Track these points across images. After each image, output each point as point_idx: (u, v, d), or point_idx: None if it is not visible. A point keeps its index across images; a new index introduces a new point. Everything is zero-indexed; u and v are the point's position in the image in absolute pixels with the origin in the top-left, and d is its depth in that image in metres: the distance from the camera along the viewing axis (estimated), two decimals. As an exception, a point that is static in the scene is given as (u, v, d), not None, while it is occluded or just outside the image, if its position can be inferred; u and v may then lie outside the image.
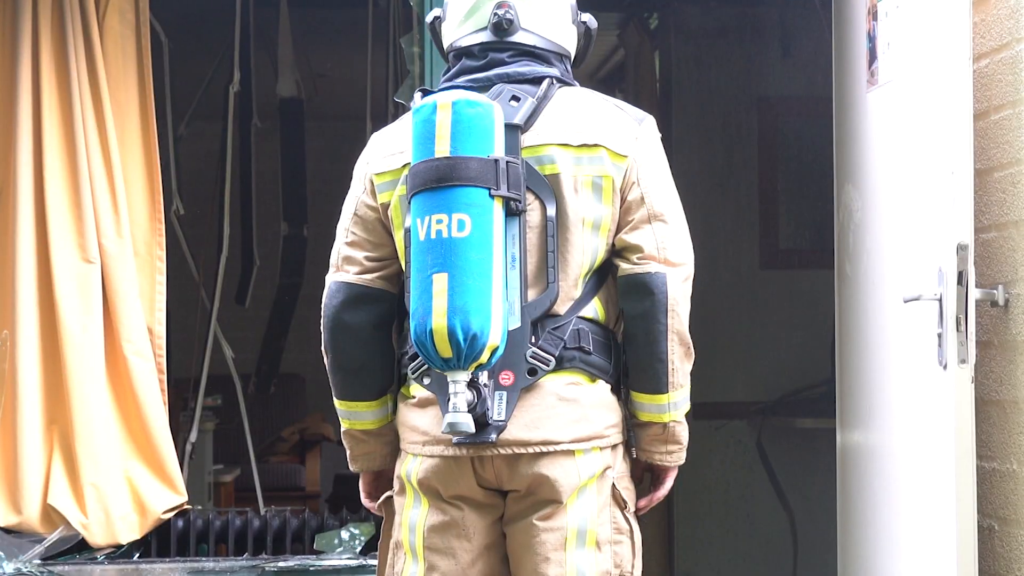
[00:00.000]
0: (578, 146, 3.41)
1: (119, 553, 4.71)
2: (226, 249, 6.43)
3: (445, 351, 3.23)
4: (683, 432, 3.53)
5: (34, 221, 4.77)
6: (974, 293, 4.01)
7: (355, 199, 3.56)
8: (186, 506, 4.83)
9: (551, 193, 3.39)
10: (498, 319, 3.26)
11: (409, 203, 3.34)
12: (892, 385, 4.38)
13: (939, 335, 4.01)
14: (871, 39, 4.53)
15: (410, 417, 3.45)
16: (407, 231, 3.38)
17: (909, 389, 4.25)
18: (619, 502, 3.43)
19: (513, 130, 3.38)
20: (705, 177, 7.15)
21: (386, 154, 3.50)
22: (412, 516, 3.42)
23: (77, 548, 4.69)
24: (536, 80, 3.47)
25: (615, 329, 3.48)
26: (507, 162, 3.33)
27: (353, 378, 3.56)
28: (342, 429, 3.62)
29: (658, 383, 3.44)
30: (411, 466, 3.42)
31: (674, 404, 3.48)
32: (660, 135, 3.52)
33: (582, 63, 3.67)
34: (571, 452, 3.37)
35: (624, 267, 3.42)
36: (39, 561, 4.60)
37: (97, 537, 4.69)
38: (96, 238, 4.77)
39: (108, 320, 4.78)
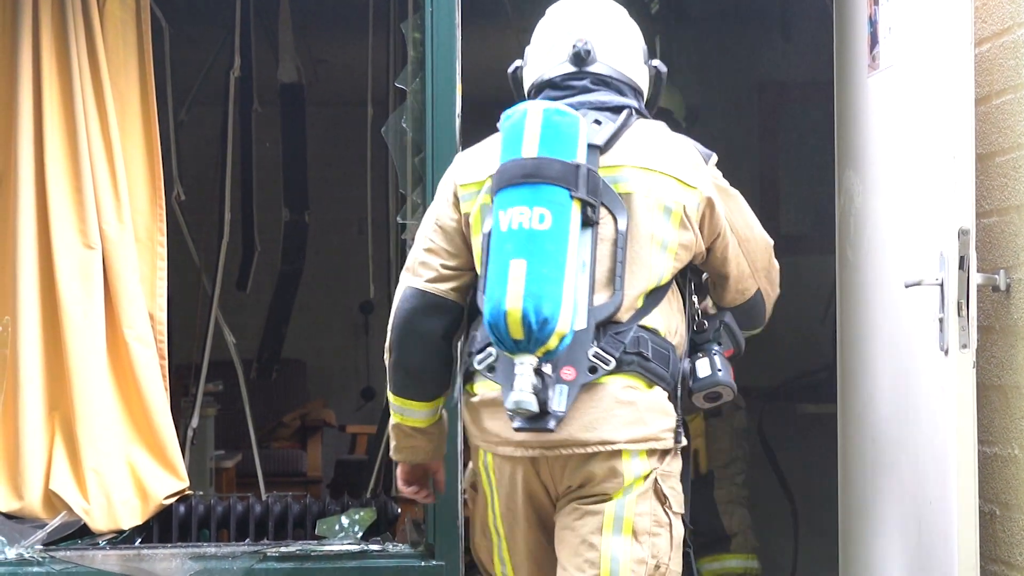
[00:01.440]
0: (652, 170, 3.72)
1: (121, 538, 4.72)
2: (227, 235, 6.43)
3: (517, 333, 3.48)
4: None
5: (35, 207, 4.77)
6: (975, 278, 4.01)
7: (438, 209, 3.84)
8: (188, 491, 4.84)
9: (624, 210, 3.68)
10: (568, 308, 3.50)
11: (493, 199, 3.62)
12: (893, 370, 4.38)
13: (940, 320, 4.01)
14: (872, 23, 4.52)
15: (479, 416, 3.72)
16: (487, 233, 3.65)
17: (910, 374, 4.25)
18: (660, 497, 3.67)
19: (594, 150, 3.68)
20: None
21: (471, 167, 3.80)
22: (492, 503, 3.77)
23: (79, 533, 4.69)
24: (616, 109, 3.79)
25: (674, 341, 3.75)
26: (588, 169, 3.62)
27: (413, 380, 3.84)
28: (392, 422, 3.91)
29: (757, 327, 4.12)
30: (484, 460, 3.75)
31: None
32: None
33: (654, 107, 3.96)
34: (624, 452, 3.63)
35: (726, 298, 3.93)
36: (41, 546, 4.60)
37: (99, 522, 4.70)
38: (97, 224, 4.77)
39: (109, 306, 4.78)
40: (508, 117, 3.68)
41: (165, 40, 5.75)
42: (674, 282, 3.79)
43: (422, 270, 3.79)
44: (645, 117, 3.85)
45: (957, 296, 3.99)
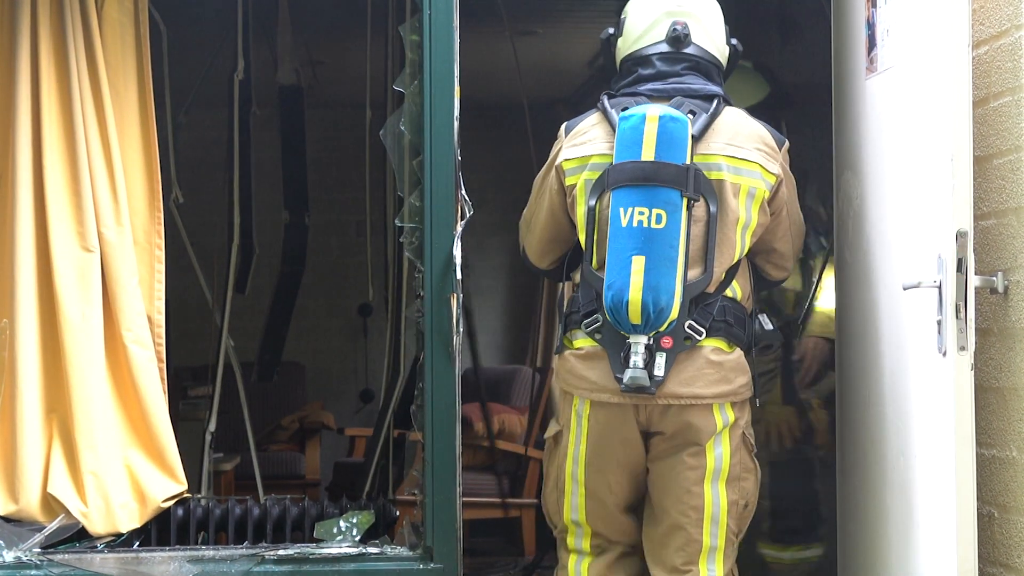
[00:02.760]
0: (740, 159, 4.26)
1: (119, 541, 4.71)
2: (237, 237, 6.42)
3: (636, 319, 4.09)
4: None
5: (33, 210, 4.77)
6: (973, 280, 4.01)
7: (544, 194, 4.41)
8: (186, 494, 4.84)
9: (715, 195, 4.21)
10: (679, 297, 4.11)
11: (611, 194, 4.15)
12: (892, 372, 4.38)
13: (938, 322, 4.02)
14: (870, 26, 4.53)
15: (578, 367, 4.27)
16: (597, 207, 4.23)
17: (909, 376, 4.25)
18: (748, 446, 4.31)
19: (692, 141, 4.19)
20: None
21: (575, 143, 4.32)
22: (576, 452, 4.29)
23: (77, 537, 4.69)
24: (707, 97, 4.30)
25: (748, 305, 4.33)
26: (696, 170, 4.15)
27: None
28: None
29: None
30: (580, 407, 4.27)
31: None
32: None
33: (727, 78, 4.47)
34: (712, 405, 4.23)
35: (772, 273, 4.47)
36: (39, 550, 4.60)
37: (97, 526, 4.70)
38: (95, 227, 4.77)
39: (108, 309, 4.78)
40: (627, 118, 4.16)
41: (163, 43, 5.75)
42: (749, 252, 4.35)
43: (542, 262, 4.50)
44: (730, 103, 4.34)
45: (955, 298, 3.99)
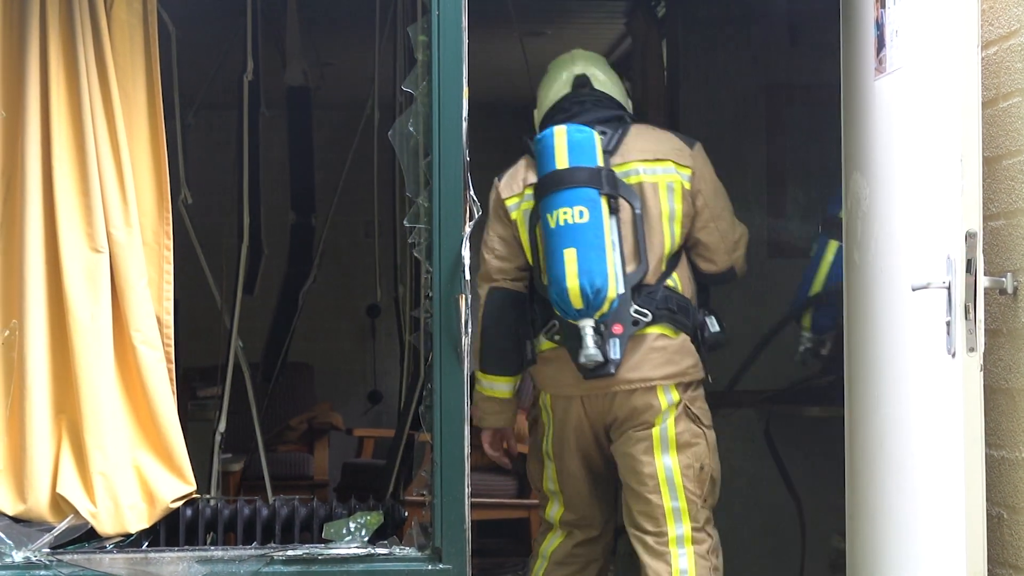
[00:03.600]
0: (653, 160, 4.95)
1: (128, 542, 4.72)
2: (246, 238, 6.43)
3: (577, 303, 4.69)
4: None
5: (42, 210, 4.77)
6: (983, 281, 4.01)
7: (495, 228, 5.03)
8: (195, 495, 4.84)
9: (636, 197, 4.89)
10: (612, 278, 4.72)
11: (538, 205, 4.83)
12: (901, 373, 4.38)
13: (948, 323, 4.01)
14: (879, 26, 4.52)
15: (542, 367, 4.97)
16: (535, 227, 4.88)
17: (918, 377, 4.25)
18: (692, 417, 4.92)
19: (606, 154, 4.89)
20: (712, 165, 7.13)
21: (509, 185, 5.02)
22: (547, 432, 5.04)
23: (86, 537, 4.69)
24: (612, 120, 5.01)
25: (690, 295, 4.96)
26: (607, 171, 4.83)
27: (503, 359, 5.02)
28: (483, 396, 5.06)
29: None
30: (543, 400, 5.02)
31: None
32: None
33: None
34: (657, 387, 4.87)
35: (701, 265, 5.05)
36: (48, 550, 4.61)
37: (106, 526, 4.70)
38: (104, 227, 4.77)
39: (116, 309, 4.78)
40: (539, 140, 4.85)
41: (172, 44, 5.76)
42: (684, 245, 4.98)
43: (499, 276, 4.98)
44: (636, 121, 5.06)
45: (964, 299, 3.99)
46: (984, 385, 4.01)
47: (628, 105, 5.15)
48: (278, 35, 7.16)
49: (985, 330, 4.05)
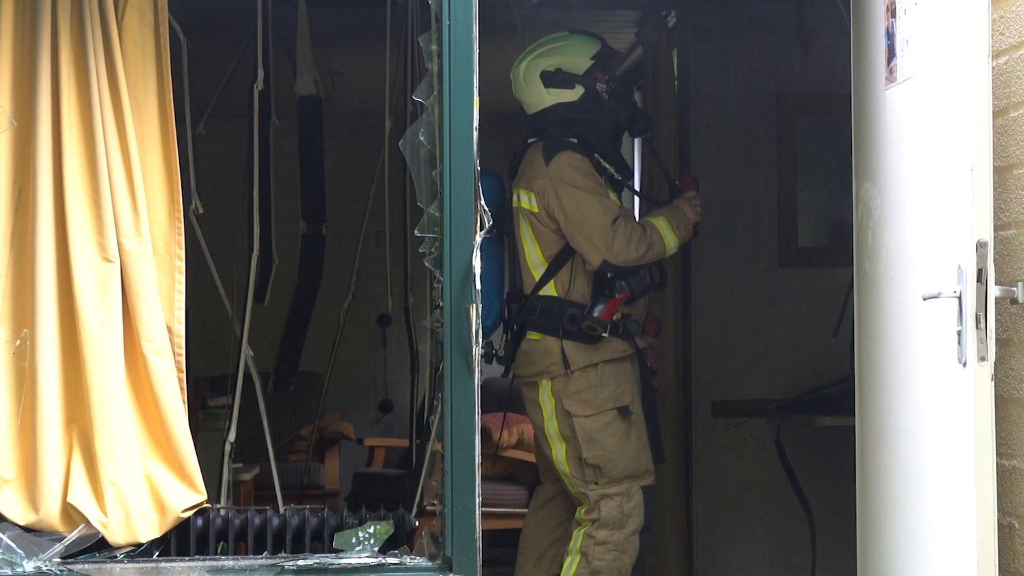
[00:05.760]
0: (518, 189, 5.88)
1: (139, 552, 4.72)
2: (257, 248, 6.43)
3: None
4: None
5: (53, 220, 4.78)
6: (993, 290, 4.00)
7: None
8: (206, 504, 4.84)
9: (512, 221, 5.90)
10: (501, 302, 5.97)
11: None
12: (911, 383, 4.37)
13: (958, 332, 4.01)
14: (890, 36, 4.52)
15: None
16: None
17: (928, 387, 4.25)
18: (565, 412, 5.75)
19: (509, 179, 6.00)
20: (723, 174, 7.14)
21: None
22: None
23: (97, 547, 4.69)
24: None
25: (571, 298, 5.76)
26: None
27: None
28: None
29: None
30: None
31: None
32: (574, 162, 5.80)
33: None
34: (538, 382, 5.80)
35: (587, 262, 5.74)
36: (59, 560, 4.61)
37: (117, 536, 4.70)
38: (115, 237, 4.77)
39: (127, 319, 4.78)
40: None
41: (183, 54, 5.76)
42: (575, 256, 5.76)
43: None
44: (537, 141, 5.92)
45: (975, 308, 3.98)
46: (995, 395, 4.00)
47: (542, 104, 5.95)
48: (289, 45, 7.16)
49: (996, 339, 4.05)
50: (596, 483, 5.72)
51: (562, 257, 5.79)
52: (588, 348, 5.74)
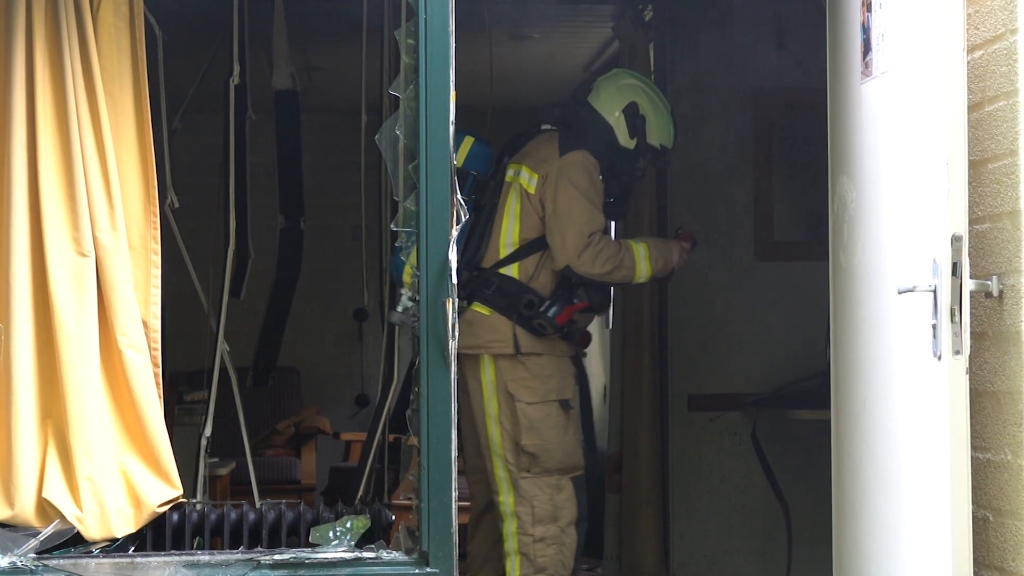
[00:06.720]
0: (518, 164, 5.91)
1: (114, 547, 4.71)
2: (233, 242, 6.41)
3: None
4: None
5: (28, 214, 4.76)
6: (968, 284, 4.01)
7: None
8: (181, 499, 4.83)
9: (498, 194, 5.90)
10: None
11: None
12: (887, 376, 4.38)
13: (933, 326, 4.02)
14: (865, 30, 4.53)
15: None
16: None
17: (904, 380, 4.26)
18: (508, 394, 5.77)
19: (502, 155, 6.03)
20: (700, 169, 7.15)
21: None
22: None
23: (72, 542, 4.68)
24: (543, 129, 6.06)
25: (531, 285, 5.78)
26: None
27: None
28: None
29: None
30: None
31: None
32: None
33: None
34: (479, 356, 5.79)
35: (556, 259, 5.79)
36: (34, 555, 4.59)
37: (92, 531, 4.69)
38: (91, 231, 4.76)
39: (103, 313, 4.77)
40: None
41: (159, 48, 5.74)
42: (548, 248, 5.78)
43: None
44: (555, 129, 5.96)
45: (950, 302, 3.99)
46: (970, 388, 4.01)
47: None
48: (265, 39, 7.15)
49: (971, 333, 4.06)
50: (529, 471, 5.75)
51: (536, 245, 5.83)
52: (535, 338, 5.80)
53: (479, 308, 5.78)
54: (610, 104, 5.95)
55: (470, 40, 5.61)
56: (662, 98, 6.10)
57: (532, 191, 5.81)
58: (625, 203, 6.19)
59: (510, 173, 5.89)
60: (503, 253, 5.83)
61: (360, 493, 6.16)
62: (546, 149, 5.85)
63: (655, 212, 7.15)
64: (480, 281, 5.80)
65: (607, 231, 5.97)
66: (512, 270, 5.82)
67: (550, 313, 5.76)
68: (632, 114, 5.94)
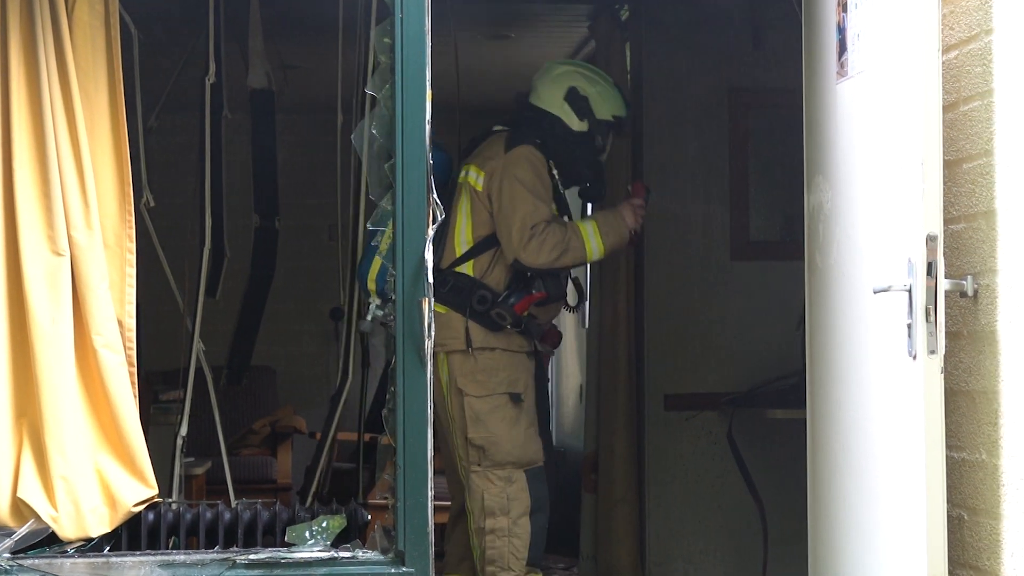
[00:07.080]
0: (468, 164, 6.03)
1: (89, 546, 4.69)
2: (208, 241, 6.40)
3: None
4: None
5: (3, 213, 4.75)
6: (943, 284, 4.02)
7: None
8: (157, 499, 4.82)
9: (453, 196, 5.98)
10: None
11: None
12: (862, 376, 4.39)
13: (909, 326, 4.03)
14: (841, 30, 4.54)
15: None
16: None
17: (879, 380, 4.27)
18: (457, 390, 5.85)
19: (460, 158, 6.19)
20: (676, 169, 7.15)
21: None
22: None
23: (47, 541, 4.66)
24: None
25: (486, 281, 5.87)
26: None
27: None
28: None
29: None
30: None
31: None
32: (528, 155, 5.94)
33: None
34: (438, 354, 5.79)
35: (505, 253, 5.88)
36: (8, 555, 4.58)
37: (67, 530, 4.68)
38: (65, 230, 4.75)
39: (78, 313, 4.76)
40: None
41: (134, 46, 5.73)
42: (486, 239, 5.88)
43: None
44: (507, 130, 6.05)
45: (925, 302, 4.00)
46: (945, 387, 4.02)
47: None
48: (241, 37, 7.13)
49: (946, 333, 4.07)
50: (479, 464, 5.81)
51: (489, 242, 5.93)
52: (490, 332, 5.86)
53: (436, 307, 5.65)
54: (550, 97, 6.07)
55: (442, 39, 5.61)
56: (600, 73, 6.19)
57: (480, 188, 5.93)
58: (601, 184, 6.22)
59: (461, 174, 6.02)
60: (459, 252, 5.93)
61: (314, 490, 6.17)
62: (493, 147, 5.98)
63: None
64: (437, 281, 5.75)
65: (571, 216, 6.09)
66: (467, 268, 5.92)
67: (510, 302, 5.84)
68: (575, 98, 6.03)
